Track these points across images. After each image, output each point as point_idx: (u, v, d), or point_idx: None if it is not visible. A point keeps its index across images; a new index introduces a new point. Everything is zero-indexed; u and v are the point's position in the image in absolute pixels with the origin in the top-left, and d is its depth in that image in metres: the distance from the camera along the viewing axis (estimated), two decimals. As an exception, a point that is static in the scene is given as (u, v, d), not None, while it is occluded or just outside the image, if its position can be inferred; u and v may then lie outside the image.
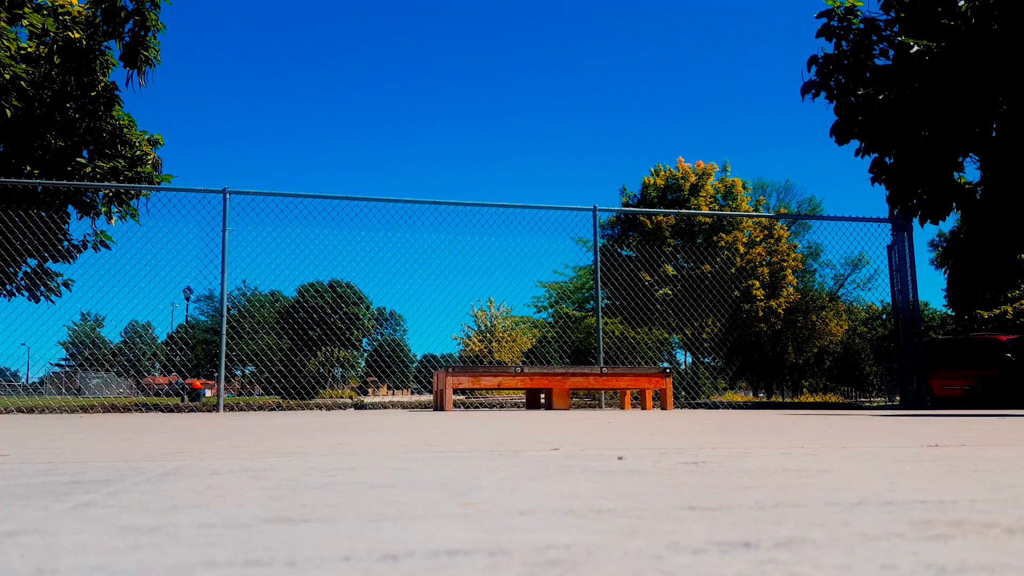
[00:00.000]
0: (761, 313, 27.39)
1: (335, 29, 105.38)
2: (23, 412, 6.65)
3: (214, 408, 6.75)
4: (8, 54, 9.01)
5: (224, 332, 6.69)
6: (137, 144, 10.60)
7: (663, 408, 5.62)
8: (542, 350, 11.55)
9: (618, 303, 9.11)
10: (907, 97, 8.47)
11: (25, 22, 9.49)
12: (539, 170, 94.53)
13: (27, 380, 20.63)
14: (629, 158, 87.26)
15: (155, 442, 1.78)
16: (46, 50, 9.88)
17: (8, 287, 9.91)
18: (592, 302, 14.53)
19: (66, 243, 10.01)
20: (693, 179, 30.22)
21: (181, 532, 0.60)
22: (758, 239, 28.57)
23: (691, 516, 0.67)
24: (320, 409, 7.97)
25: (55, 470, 1.10)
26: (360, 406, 11.23)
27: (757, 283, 27.15)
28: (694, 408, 7.64)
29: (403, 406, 9.89)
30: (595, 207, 7.66)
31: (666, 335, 22.35)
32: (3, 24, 8.97)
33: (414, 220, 8.01)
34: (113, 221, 10.31)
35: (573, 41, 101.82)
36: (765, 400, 28.41)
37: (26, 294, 10.02)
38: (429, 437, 1.83)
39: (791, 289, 28.98)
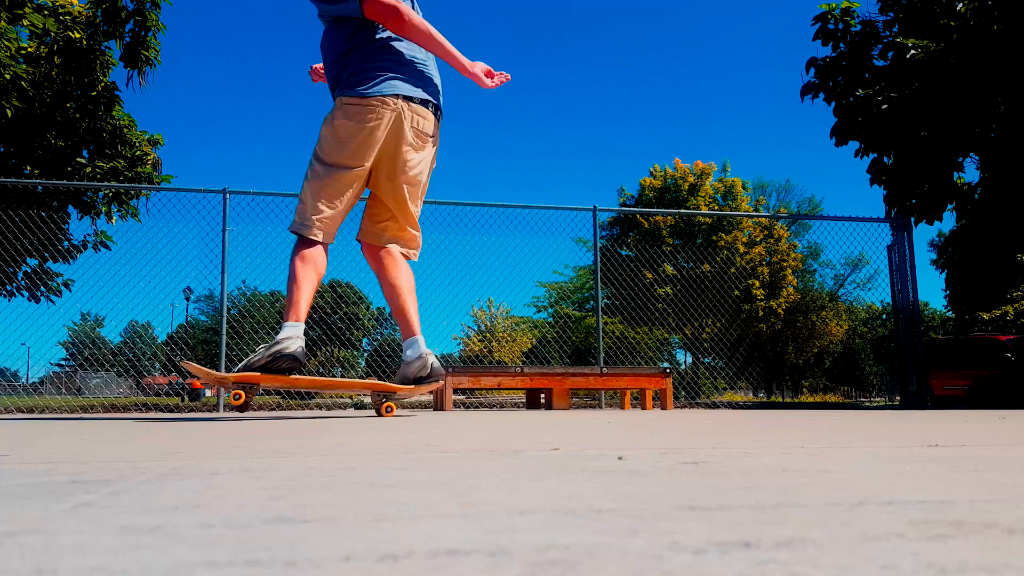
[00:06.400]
0: (761, 313, 27.39)
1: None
2: (23, 412, 6.65)
3: (214, 408, 6.75)
4: (8, 54, 9.00)
5: (224, 332, 6.69)
6: (137, 144, 10.60)
7: (663, 408, 5.62)
8: (542, 350, 11.55)
9: (618, 303, 9.11)
10: (906, 98, 8.47)
11: (25, 22, 9.48)
12: (539, 170, 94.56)
13: (27, 380, 20.62)
14: (630, 159, 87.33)
15: (155, 442, 1.78)
16: (46, 50, 9.88)
17: (8, 287, 9.91)
18: (592, 302, 14.53)
19: (66, 243, 10.02)
20: (692, 179, 30.25)
21: (181, 532, 0.60)
22: (758, 239, 28.59)
23: (691, 516, 0.67)
24: (320, 409, 7.97)
25: (55, 470, 1.10)
26: (360, 406, 11.22)
27: (757, 283, 27.17)
28: (694, 408, 7.64)
29: (403, 406, 9.88)
30: (595, 207, 7.66)
31: (666, 335, 22.36)
32: (4, 24, 8.96)
33: (414, 220, 7.99)
34: (113, 221, 10.32)
35: (573, 42, 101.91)
36: (765, 400, 28.41)
37: (26, 294, 10.02)
38: (429, 437, 1.83)
39: (791, 289, 28.98)
